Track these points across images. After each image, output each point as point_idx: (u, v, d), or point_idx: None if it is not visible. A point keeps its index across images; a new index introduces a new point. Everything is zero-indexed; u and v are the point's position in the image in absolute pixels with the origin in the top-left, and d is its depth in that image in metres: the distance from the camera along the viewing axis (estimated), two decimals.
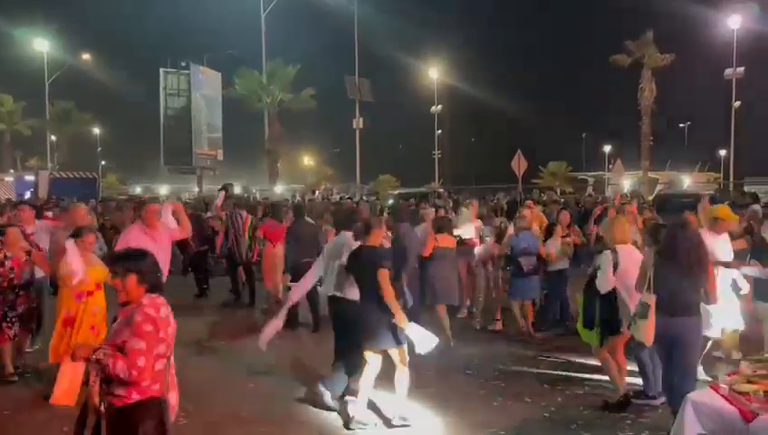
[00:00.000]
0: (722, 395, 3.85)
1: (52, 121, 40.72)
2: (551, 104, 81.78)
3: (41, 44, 38.24)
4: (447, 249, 8.02)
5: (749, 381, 3.95)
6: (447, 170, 48.00)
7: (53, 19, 52.49)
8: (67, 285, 5.92)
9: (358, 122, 34.51)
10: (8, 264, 6.48)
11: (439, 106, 44.55)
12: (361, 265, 5.38)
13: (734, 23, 33.44)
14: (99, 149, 57.08)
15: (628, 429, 5.35)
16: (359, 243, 5.64)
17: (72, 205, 7.45)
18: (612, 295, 5.54)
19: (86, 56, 43.06)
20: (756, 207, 12.17)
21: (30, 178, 32.04)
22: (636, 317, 4.98)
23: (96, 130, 53.45)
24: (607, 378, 5.97)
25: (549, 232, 8.87)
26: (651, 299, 4.86)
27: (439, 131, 46.20)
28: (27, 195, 27.62)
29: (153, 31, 77.54)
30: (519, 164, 21.48)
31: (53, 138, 42.78)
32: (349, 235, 6.02)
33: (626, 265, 5.51)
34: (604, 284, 5.47)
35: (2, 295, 6.43)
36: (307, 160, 59.04)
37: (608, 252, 5.59)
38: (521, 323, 8.38)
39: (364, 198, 27.12)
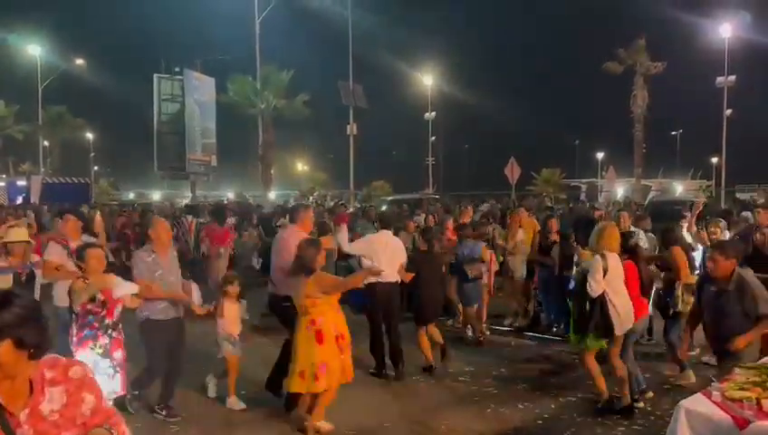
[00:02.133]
0: (714, 402, 3.87)
1: (44, 126, 40.54)
2: (544, 111, 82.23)
3: (34, 49, 38.14)
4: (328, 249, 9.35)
5: (741, 389, 3.97)
6: (441, 177, 48.10)
7: (47, 24, 52.41)
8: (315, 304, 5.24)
9: (351, 128, 34.52)
10: (99, 297, 4.94)
11: (433, 113, 44.65)
12: (431, 263, 7.35)
13: (725, 31, 33.69)
14: (92, 154, 56.84)
15: None
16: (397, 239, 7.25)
17: (155, 219, 6.14)
18: (602, 299, 5.63)
19: (79, 61, 42.88)
20: (748, 214, 12.25)
21: (22, 183, 31.89)
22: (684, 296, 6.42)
23: (89, 136, 53.23)
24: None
25: (543, 239, 8.93)
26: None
27: (433, 138, 46.30)
28: (19, 200, 27.51)
29: (147, 36, 77.56)
30: (512, 171, 21.57)
31: (46, 143, 42.56)
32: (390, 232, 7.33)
33: (613, 271, 5.69)
34: (595, 287, 5.60)
35: (92, 340, 4.90)
36: (301, 166, 59.02)
37: (598, 257, 5.72)
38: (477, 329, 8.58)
39: (358, 204, 27.12)
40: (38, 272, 6.03)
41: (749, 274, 5.02)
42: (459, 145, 71.89)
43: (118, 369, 4.99)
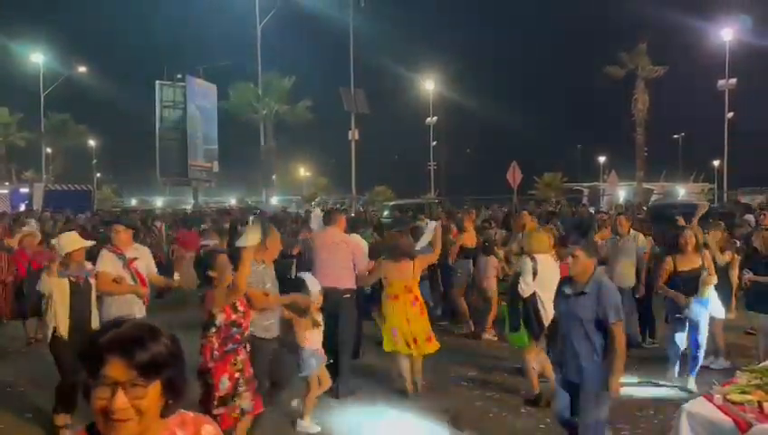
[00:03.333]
0: (716, 405, 3.87)
1: (47, 134, 40.67)
2: (546, 115, 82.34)
3: (37, 57, 38.32)
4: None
5: (743, 392, 3.97)
6: (443, 181, 48.12)
7: (50, 31, 52.62)
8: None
9: (353, 134, 34.60)
10: (241, 308, 4.55)
11: (435, 117, 44.69)
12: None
13: (726, 34, 33.76)
14: (94, 161, 57.02)
15: None
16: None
17: (272, 228, 5.56)
18: (533, 300, 5.92)
19: (82, 69, 43.08)
20: (749, 217, 12.29)
21: (25, 190, 31.97)
22: None
23: (91, 143, 53.39)
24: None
25: None
26: None
27: (434, 143, 46.33)
28: (22, 207, 27.58)
29: (149, 43, 77.86)
30: (514, 175, 21.57)
31: (49, 150, 42.71)
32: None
33: (543, 272, 5.95)
34: (525, 289, 5.93)
35: (234, 355, 4.49)
36: (303, 172, 59.08)
37: (528, 259, 6.00)
38: None
39: (361, 208, 27.16)
40: (92, 280, 5.57)
41: (607, 278, 4.67)
42: (461, 150, 71.98)
43: (248, 387, 4.57)
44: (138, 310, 5.81)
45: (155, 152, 36.52)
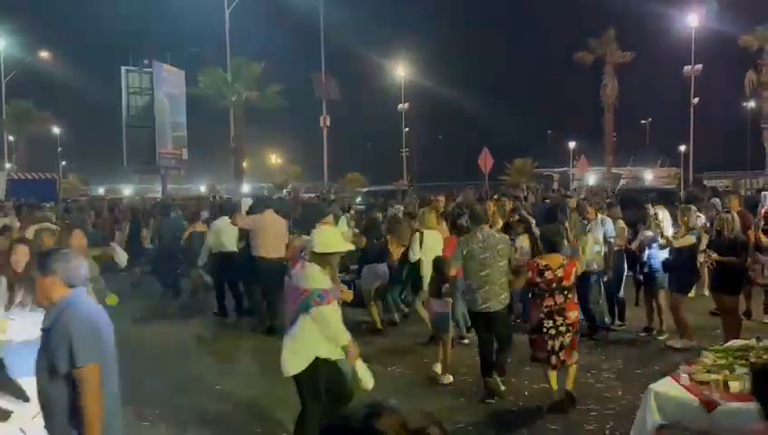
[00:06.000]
0: (683, 385, 3.93)
1: (9, 121, 39.58)
2: (516, 102, 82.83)
3: None
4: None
5: (709, 371, 4.04)
6: (415, 168, 48.07)
7: (10, 15, 51.05)
8: None
9: (324, 120, 34.34)
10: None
11: (406, 104, 44.58)
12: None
13: (692, 21, 34.23)
14: (59, 149, 55.64)
15: (594, 421, 5.43)
16: None
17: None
18: (418, 264, 8.02)
19: (45, 54, 41.87)
20: (716, 200, 12.53)
21: None
22: None
23: (56, 130, 52.08)
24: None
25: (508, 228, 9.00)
26: None
27: (407, 129, 46.27)
28: None
29: (114, 28, 75.99)
30: (485, 161, 21.66)
31: (11, 138, 41.58)
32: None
33: (429, 244, 7.97)
34: (412, 255, 8.14)
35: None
36: (275, 159, 58.50)
37: (417, 234, 8.17)
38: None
39: (333, 196, 27.01)
40: None
41: (79, 304, 3.00)
42: (433, 136, 71.93)
43: None
44: None
45: (122, 140, 35.78)
